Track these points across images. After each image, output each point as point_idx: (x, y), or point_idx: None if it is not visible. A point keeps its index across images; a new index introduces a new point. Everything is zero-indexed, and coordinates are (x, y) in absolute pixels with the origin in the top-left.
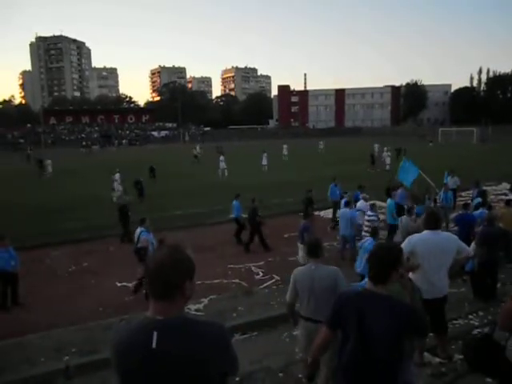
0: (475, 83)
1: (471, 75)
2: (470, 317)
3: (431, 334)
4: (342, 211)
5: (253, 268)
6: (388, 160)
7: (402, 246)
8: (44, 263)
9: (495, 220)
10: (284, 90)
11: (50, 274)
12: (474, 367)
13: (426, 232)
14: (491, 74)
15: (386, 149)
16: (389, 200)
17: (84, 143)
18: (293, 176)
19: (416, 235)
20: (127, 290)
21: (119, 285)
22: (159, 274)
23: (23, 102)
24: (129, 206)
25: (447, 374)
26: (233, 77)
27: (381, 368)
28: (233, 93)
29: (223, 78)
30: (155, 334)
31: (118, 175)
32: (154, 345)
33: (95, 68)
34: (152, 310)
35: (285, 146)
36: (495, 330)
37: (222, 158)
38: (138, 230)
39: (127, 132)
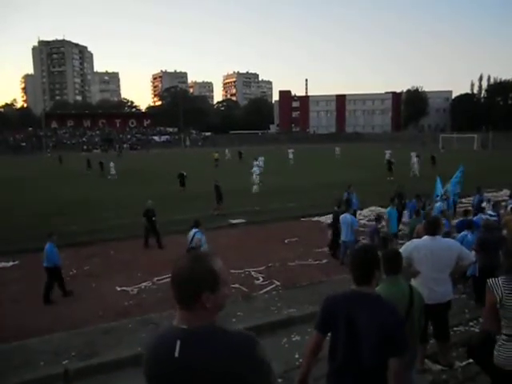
0: (476, 90)
1: (472, 82)
2: (471, 324)
3: (432, 341)
4: (343, 216)
5: (253, 273)
6: (416, 166)
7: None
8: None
9: (491, 226)
10: (285, 95)
11: None
12: (474, 359)
13: (424, 238)
14: (492, 80)
15: (415, 154)
16: (389, 208)
17: (85, 147)
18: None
19: (414, 241)
20: (127, 294)
21: (119, 289)
22: (176, 283)
23: (25, 105)
24: (154, 210)
25: (448, 381)
26: (234, 82)
27: (370, 373)
28: (234, 98)
29: (225, 83)
30: (178, 342)
31: (256, 167)
32: (176, 353)
33: (97, 72)
34: (177, 319)
35: (290, 151)
36: None
37: (256, 163)
38: (193, 231)
39: (128, 136)
